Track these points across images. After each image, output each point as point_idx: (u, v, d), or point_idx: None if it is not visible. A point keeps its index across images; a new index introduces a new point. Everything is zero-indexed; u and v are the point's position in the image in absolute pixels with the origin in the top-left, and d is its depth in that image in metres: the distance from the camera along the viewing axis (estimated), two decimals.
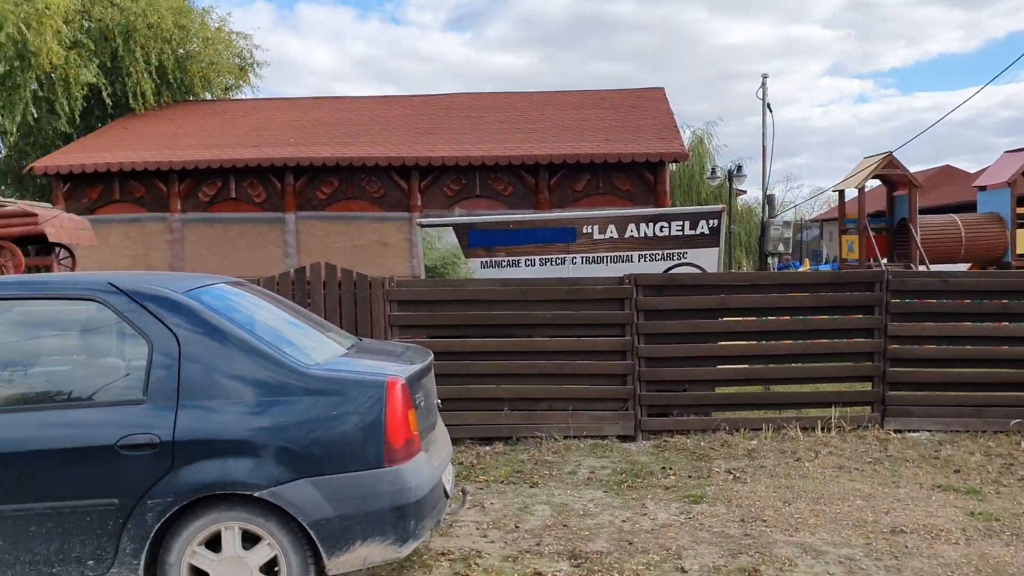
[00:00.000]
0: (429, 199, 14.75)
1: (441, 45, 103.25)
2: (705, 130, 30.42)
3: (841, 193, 16.81)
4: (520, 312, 6.79)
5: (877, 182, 16.91)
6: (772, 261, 17.88)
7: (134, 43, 18.80)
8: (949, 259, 15.33)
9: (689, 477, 5.61)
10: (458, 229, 7.75)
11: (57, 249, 10.40)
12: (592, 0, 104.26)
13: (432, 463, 3.53)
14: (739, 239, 29.37)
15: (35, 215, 9.48)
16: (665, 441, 6.73)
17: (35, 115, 17.77)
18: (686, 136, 30.25)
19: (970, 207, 17.84)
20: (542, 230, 7.69)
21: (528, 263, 7.64)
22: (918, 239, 14.81)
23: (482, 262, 7.71)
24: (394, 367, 3.65)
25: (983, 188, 16.19)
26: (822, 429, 6.87)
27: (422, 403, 3.65)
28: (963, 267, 16.09)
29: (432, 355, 4.19)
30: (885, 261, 15.53)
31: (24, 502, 3.13)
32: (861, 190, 15.44)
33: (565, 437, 6.73)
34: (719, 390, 7.27)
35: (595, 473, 5.76)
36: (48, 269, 10.11)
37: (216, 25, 22.19)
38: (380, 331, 6.41)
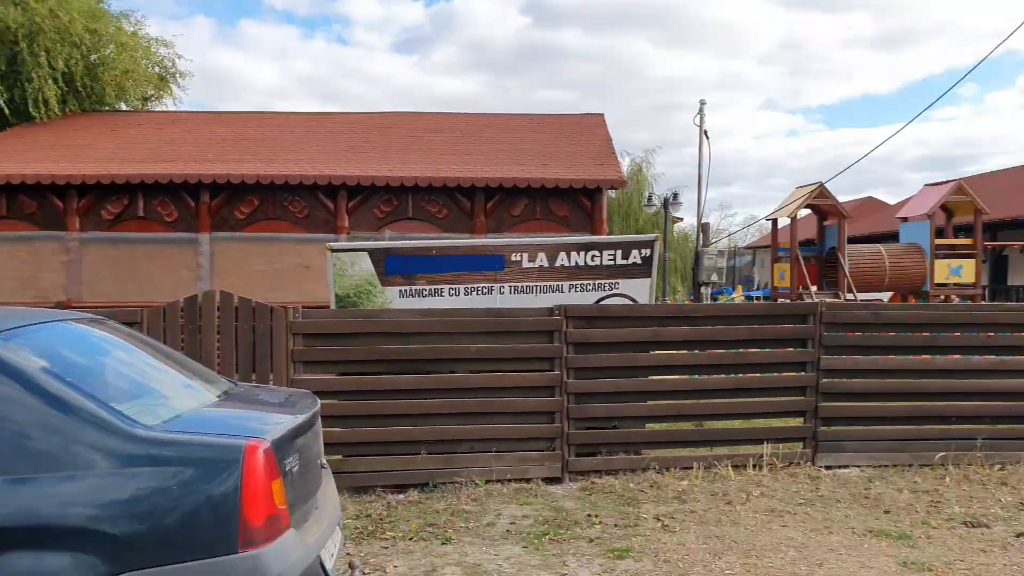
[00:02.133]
0: (358, 220, 14.24)
1: (388, 66, 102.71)
2: (644, 158, 31.03)
3: (774, 222, 17.08)
4: (443, 346, 6.43)
5: (808, 211, 17.26)
6: (706, 290, 18.03)
7: (38, 47, 17.75)
8: (874, 288, 15.69)
9: (615, 526, 5.32)
10: (374, 254, 7.31)
11: None
12: (539, 28, 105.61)
13: (306, 540, 3.03)
14: (675, 266, 29.77)
15: None
16: (593, 483, 6.45)
17: None
18: (625, 164, 30.76)
19: (890, 237, 18.41)
20: (468, 257, 7.31)
21: (452, 292, 7.26)
22: (847, 268, 15.11)
23: (400, 291, 7.28)
24: (261, 423, 3.16)
25: (905, 220, 16.69)
26: (754, 467, 6.72)
27: (294, 468, 3.09)
28: (886, 296, 16.54)
29: (319, 404, 3.70)
30: (815, 289, 15.81)
31: None
32: (794, 219, 15.70)
33: (487, 481, 6.37)
34: (651, 426, 7.06)
35: (516, 524, 5.41)
36: None
37: (132, 30, 21.26)
38: (282, 369, 5.93)
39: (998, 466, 6.86)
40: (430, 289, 7.24)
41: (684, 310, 6.95)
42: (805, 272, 15.17)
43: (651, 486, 6.28)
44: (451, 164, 14.99)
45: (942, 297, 15.46)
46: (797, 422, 7.09)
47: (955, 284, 15.97)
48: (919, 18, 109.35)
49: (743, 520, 5.37)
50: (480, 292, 7.24)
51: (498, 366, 6.54)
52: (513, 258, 7.34)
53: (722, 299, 27.90)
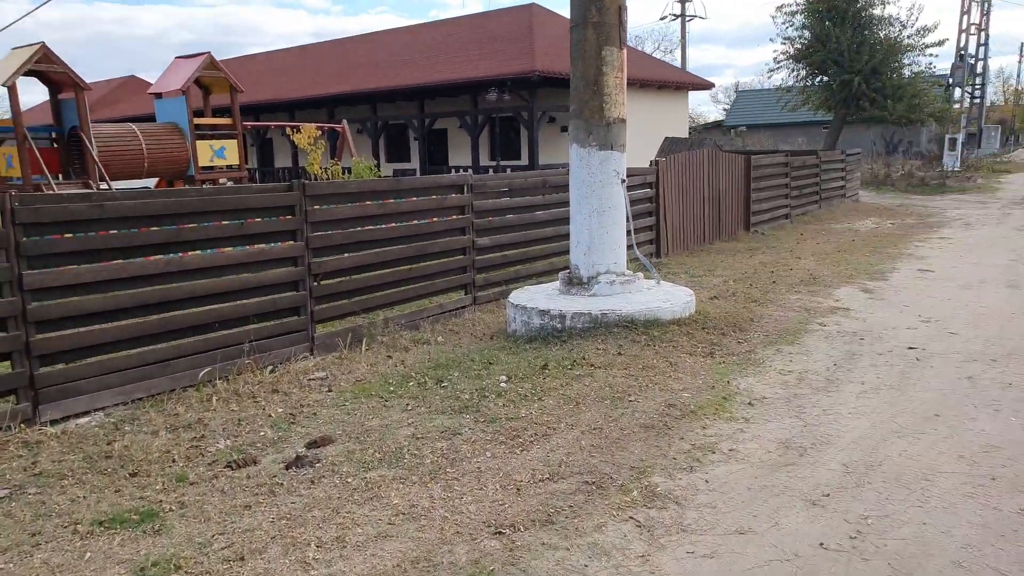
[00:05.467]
0: None
1: None
2: None
3: None
4: None
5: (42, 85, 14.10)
6: None
7: None
8: (134, 175, 14.02)
9: None
10: None
11: None
12: None
13: None
14: None
15: None
16: None
17: None
18: None
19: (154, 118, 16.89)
20: None
21: None
22: (95, 152, 12.91)
23: None
24: None
25: (159, 96, 15.27)
26: None
27: None
28: (152, 183, 15.14)
29: None
30: (60, 178, 13.25)
31: None
32: (12, 89, 12.47)
33: None
34: None
35: None
36: None
37: None
38: None
39: (270, 368, 6.20)
40: None
41: None
42: (39, 157, 12.37)
43: None
44: None
45: (211, 182, 14.80)
46: (4, 368, 5.04)
47: (226, 167, 15.55)
48: None
49: None
50: None
51: None
52: None
53: None
